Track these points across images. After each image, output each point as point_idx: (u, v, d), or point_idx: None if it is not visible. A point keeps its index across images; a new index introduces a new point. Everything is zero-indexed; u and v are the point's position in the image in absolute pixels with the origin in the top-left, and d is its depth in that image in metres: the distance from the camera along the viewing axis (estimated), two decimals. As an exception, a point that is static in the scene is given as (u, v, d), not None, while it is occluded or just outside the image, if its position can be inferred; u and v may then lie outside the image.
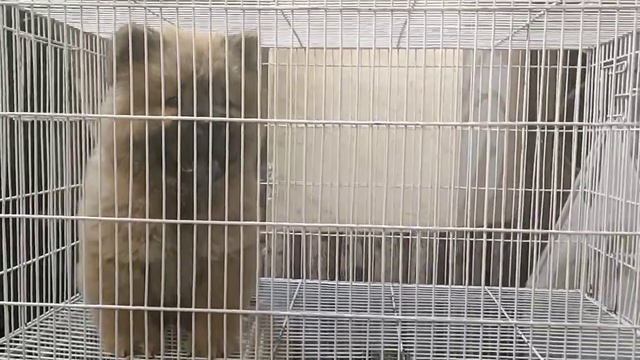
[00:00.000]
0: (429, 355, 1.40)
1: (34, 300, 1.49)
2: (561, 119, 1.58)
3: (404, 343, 1.57)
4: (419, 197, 1.79)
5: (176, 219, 1.39)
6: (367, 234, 1.98)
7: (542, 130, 1.67)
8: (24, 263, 1.50)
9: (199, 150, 1.36)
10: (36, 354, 1.46)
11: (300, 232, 1.85)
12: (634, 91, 1.75)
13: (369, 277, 1.47)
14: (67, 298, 1.64)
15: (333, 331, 1.36)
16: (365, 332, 1.35)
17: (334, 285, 1.75)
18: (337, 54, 1.42)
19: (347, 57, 1.44)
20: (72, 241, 1.51)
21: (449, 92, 1.77)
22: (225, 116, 1.36)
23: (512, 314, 1.60)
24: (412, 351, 1.46)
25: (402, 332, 1.62)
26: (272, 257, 1.55)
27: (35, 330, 1.57)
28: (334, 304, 1.50)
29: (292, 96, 1.53)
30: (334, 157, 1.42)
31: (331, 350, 1.37)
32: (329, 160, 1.44)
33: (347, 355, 1.34)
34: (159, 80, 1.36)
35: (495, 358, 1.37)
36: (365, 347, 1.38)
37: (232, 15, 1.37)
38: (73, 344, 1.48)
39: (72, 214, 1.50)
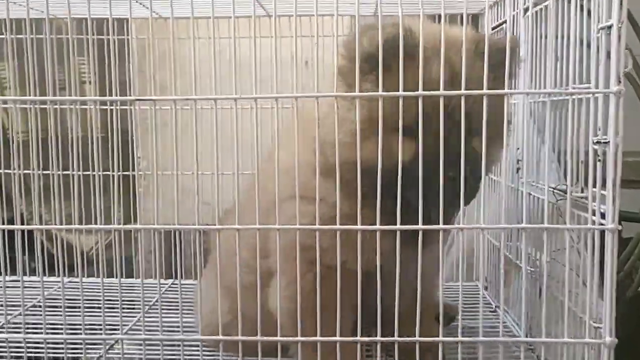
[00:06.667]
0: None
1: None
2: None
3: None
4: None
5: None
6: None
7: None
8: None
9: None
10: None
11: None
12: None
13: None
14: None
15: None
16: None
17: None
18: (198, 25, 1.23)
19: (204, 28, 1.25)
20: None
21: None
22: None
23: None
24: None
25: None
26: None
27: None
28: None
29: (157, 73, 1.33)
30: (212, 142, 1.23)
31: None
32: (207, 147, 1.24)
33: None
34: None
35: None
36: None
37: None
38: None
39: None
